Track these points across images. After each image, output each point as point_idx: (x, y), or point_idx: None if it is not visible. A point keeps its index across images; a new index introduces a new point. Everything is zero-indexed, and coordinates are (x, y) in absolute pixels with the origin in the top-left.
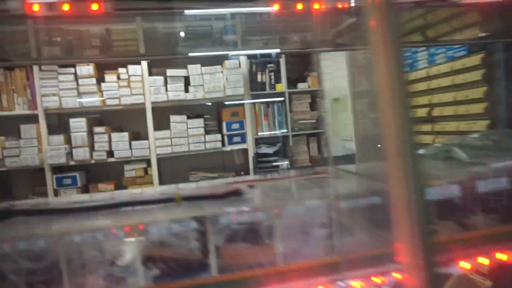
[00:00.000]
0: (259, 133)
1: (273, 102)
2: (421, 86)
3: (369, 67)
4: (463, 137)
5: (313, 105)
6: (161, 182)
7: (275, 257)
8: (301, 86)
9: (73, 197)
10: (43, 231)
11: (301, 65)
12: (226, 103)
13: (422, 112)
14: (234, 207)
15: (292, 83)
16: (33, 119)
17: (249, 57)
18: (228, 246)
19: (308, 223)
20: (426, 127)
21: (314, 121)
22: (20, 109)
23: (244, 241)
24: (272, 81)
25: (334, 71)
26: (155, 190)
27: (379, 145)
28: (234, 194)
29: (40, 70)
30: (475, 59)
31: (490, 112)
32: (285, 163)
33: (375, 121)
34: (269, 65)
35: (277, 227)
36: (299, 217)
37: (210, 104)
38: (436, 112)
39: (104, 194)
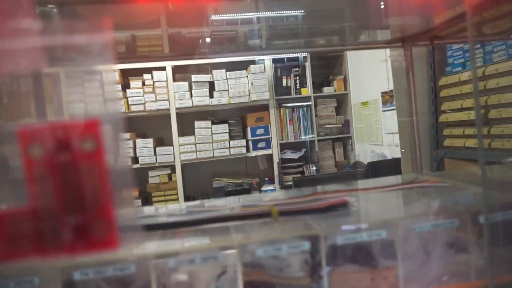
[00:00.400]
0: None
1: (299, 106)
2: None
3: (419, 66)
4: None
5: (338, 110)
6: (185, 189)
7: (398, 282)
8: (327, 90)
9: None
10: (125, 252)
11: (327, 69)
12: (251, 108)
13: (475, 115)
14: (344, 223)
15: (317, 87)
16: None
17: (274, 61)
18: (339, 268)
19: (435, 241)
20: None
21: (340, 125)
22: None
23: (358, 263)
24: (298, 85)
25: (362, 74)
26: (236, 201)
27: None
28: (340, 207)
29: (67, 77)
30: None
31: None
32: (313, 168)
33: (426, 123)
34: (294, 69)
35: (399, 246)
36: (424, 234)
37: (234, 109)
38: (494, 114)
39: (178, 206)
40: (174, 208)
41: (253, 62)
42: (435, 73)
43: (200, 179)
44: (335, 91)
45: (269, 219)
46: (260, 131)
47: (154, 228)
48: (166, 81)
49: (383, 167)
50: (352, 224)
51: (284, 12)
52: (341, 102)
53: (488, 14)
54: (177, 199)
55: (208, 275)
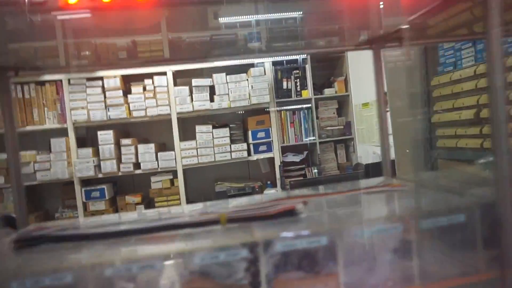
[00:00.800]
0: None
1: (299, 109)
2: (467, 86)
3: (412, 65)
4: None
5: (340, 111)
6: (188, 193)
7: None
8: (328, 92)
9: (104, 218)
10: (69, 262)
11: (327, 70)
12: (252, 111)
13: (467, 114)
14: (288, 230)
15: (318, 89)
16: (63, 132)
17: (274, 64)
18: (281, 275)
19: (378, 247)
20: (473, 130)
21: (342, 127)
22: (50, 123)
23: (301, 270)
24: (298, 87)
25: (362, 75)
26: (195, 208)
27: (405, 150)
28: (288, 214)
29: (69, 84)
30: None
31: None
32: (314, 171)
33: (418, 124)
34: (294, 72)
35: (341, 252)
36: (367, 241)
37: (235, 113)
38: (486, 113)
39: (142, 213)
40: (131, 216)
41: (252, 65)
42: (427, 73)
43: (202, 184)
44: (336, 92)
45: (218, 226)
46: (261, 134)
47: (95, 238)
48: (167, 86)
49: (380, 169)
50: (295, 231)
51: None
52: (343, 104)
53: (478, 12)
54: (179, 203)
55: (149, 284)
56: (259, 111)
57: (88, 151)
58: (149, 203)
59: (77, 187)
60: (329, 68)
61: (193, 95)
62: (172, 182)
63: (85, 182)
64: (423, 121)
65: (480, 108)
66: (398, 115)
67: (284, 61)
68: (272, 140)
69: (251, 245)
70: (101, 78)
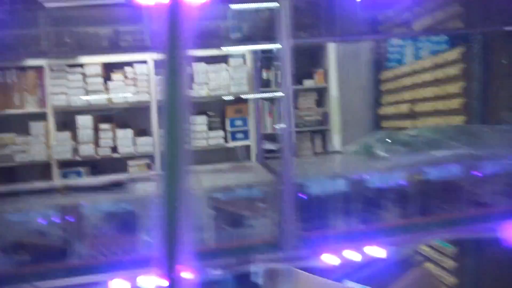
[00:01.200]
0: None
1: (278, 99)
2: (406, 81)
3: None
4: (398, 133)
5: (319, 102)
6: None
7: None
8: (307, 83)
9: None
10: None
11: (307, 62)
12: (231, 100)
13: (405, 108)
14: (108, 198)
15: (298, 80)
16: (43, 116)
17: (254, 54)
18: (93, 234)
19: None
20: (408, 123)
21: (320, 118)
22: (30, 107)
23: (111, 230)
24: (278, 78)
25: (341, 67)
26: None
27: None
28: (115, 185)
29: (51, 70)
30: (455, 53)
31: (467, 108)
32: None
33: (366, 116)
34: (274, 62)
35: (142, 217)
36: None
37: (214, 101)
38: (418, 108)
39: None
40: None
41: (232, 55)
42: (376, 67)
43: None
44: (315, 83)
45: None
46: (238, 122)
47: None
48: (148, 74)
49: None
50: (110, 198)
51: None
52: (322, 95)
53: None
54: None
55: None
56: (238, 100)
57: (67, 134)
58: None
59: (55, 168)
60: (310, 60)
61: None
62: (148, 166)
63: (63, 164)
64: (371, 113)
65: (415, 103)
66: (346, 107)
67: (264, 52)
68: (249, 129)
69: (69, 208)
70: (82, 65)
